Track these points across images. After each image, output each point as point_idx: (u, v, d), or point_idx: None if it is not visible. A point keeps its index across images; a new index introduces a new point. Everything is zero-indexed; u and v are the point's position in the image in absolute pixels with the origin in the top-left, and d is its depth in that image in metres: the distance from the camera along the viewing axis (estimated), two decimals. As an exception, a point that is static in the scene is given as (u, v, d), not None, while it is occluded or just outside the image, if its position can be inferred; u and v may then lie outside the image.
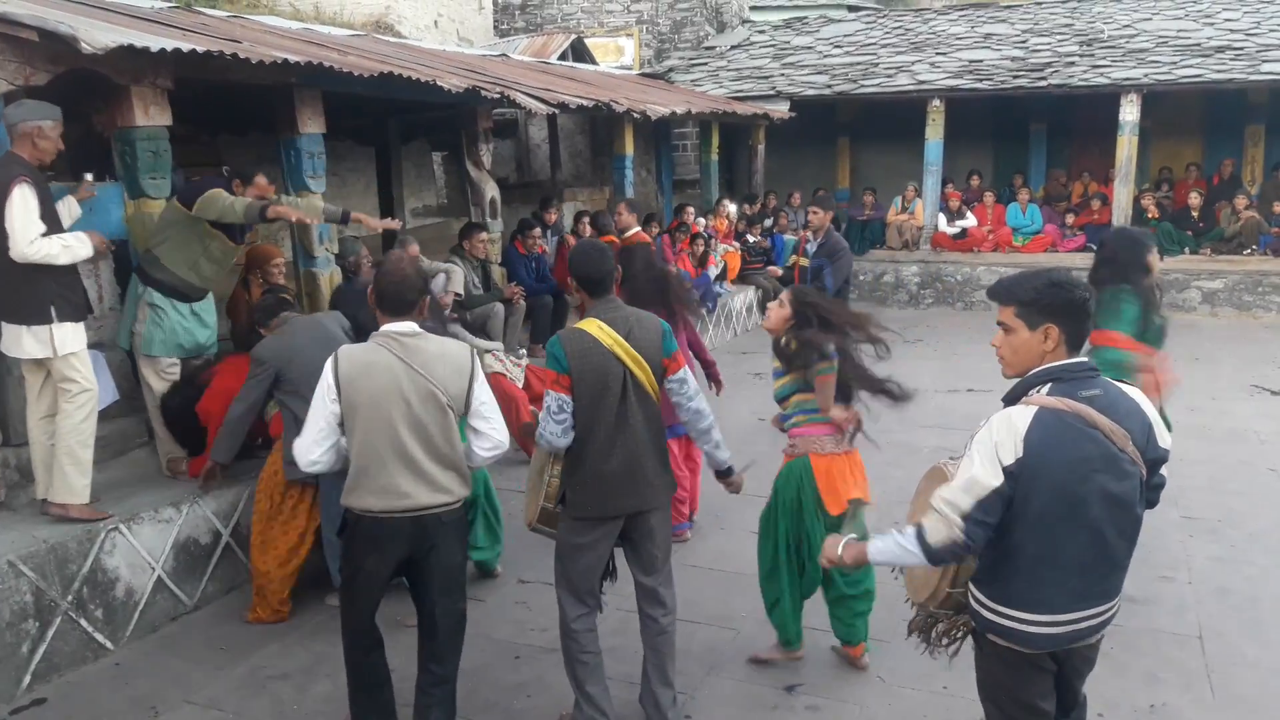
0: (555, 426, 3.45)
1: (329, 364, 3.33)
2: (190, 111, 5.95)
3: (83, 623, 4.43)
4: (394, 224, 6.32)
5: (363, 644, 3.58)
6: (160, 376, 5.10)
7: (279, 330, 4.89)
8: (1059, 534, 2.50)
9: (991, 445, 2.50)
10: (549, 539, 3.87)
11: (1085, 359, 2.59)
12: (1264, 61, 12.09)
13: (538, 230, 8.93)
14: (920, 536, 2.58)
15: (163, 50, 4.58)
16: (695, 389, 3.72)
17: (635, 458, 3.54)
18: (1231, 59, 12.35)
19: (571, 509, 3.57)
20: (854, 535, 2.85)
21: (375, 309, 3.42)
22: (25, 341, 4.43)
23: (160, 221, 5.05)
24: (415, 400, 3.29)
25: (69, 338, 4.49)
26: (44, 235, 4.31)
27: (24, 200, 4.24)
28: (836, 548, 2.82)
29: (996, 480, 2.48)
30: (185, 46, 4.72)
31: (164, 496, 4.94)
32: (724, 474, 3.91)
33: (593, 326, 3.48)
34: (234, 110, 7.25)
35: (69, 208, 4.87)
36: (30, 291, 4.39)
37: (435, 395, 3.31)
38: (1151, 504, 2.66)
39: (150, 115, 4.99)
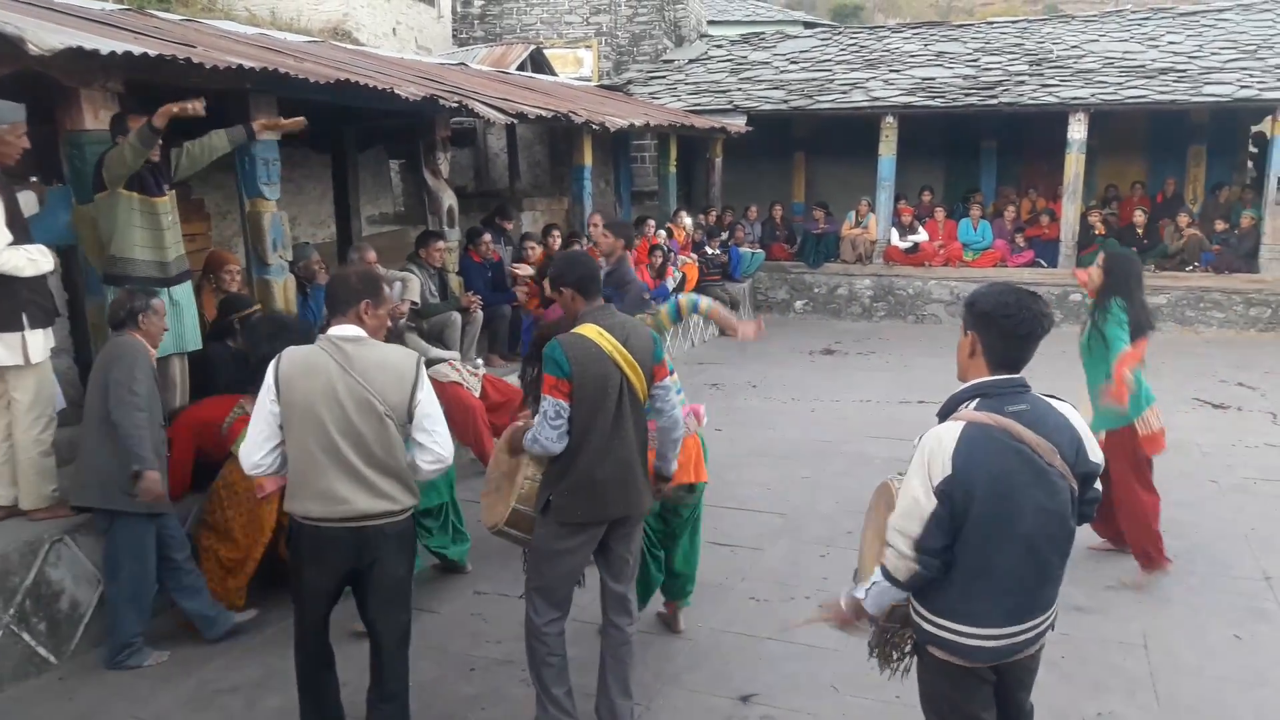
0: (551, 432, 3.41)
1: (271, 364, 3.30)
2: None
3: (25, 636, 4.32)
4: (300, 121, 5.73)
5: (312, 658, 3.54)
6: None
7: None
8: (991, 547, 2.54)
9: (924, 466, 2.55)
10: (511, 544, 3.85)
11: (1016, 375, 2.62)
12: (1205, 84, 12.45)
13: (488, 236, 8.87)
14: (888, 575, 2.65)
15: (113, 53, 4.50)
16: (676, 399, 3.77)
17: (627, 464, 3.56)
18: (1175, 81, 12.69)
19: (558, 514, 3.53)
20: (856, 591, 2.84)
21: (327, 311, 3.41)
22: (18, 348, 4.40)
23: (100, 222, 4.91)
24: (350, 406, 3.25)
25: (40, 344, 4.50)
26: (11, 245, 4.27)
27: None
28: (842, 607, 2.84)
29: (931, 504, 2.53)
30: (136, 50, 4.64)
31: (111, 507, 4.83)
32: (663, 479, 3.94)
33: (592, 332, 3.48)
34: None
35: (27, 201, 4.77)
36: (2, 297, 4.35)
37: (372, 403, 3.27)
38: (1085, 518, 2.71)
39: (100, 119, 4.90)
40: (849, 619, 2.84)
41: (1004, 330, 2.59)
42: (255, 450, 3.31)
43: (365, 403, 3.27)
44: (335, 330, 3.35)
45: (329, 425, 3.23)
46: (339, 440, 3.24)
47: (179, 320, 5.08)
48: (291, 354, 3.32)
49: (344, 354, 3.29)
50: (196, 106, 4.63)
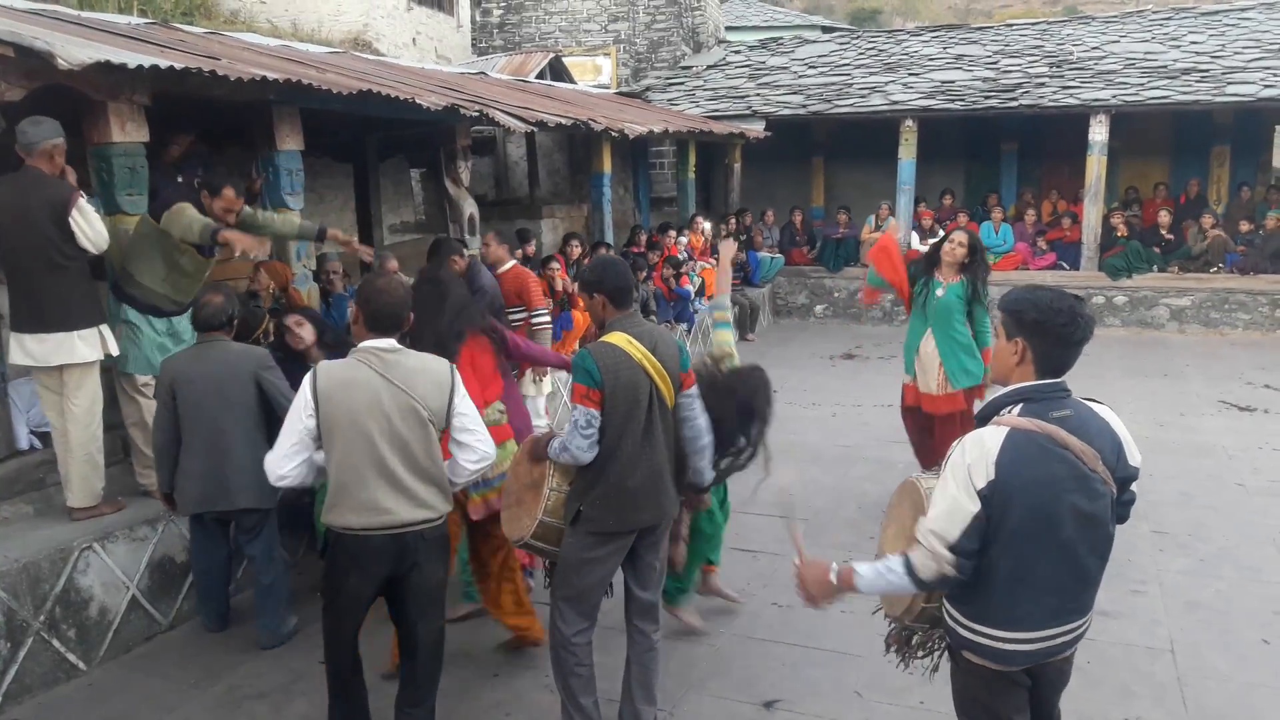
0: (582, 441, 3.40)
1: (306, 379, 3.33)
2: (168, 127, 5.93)
3: (55, 643, 4.37)
4: (369, 251, 6.12)
5: (346, 665, 3.55)
6: (137, 394, 5.04)
7: (197, 346, 4.74)
8: (1032, 553, 2.52)
9: (965, 469, 2.52)
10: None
11: (1059, 380, 2.61)
12: (1229, 84, 12.33)
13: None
14: (910, 570, 2.58)
15: (140, 67, 4.56)
16: (701, 406, 3.77)
17: (658, 472, 3.55)
18: (1197, 81, 12.59)
19: (588, 523, 3.51)
20: (858, 568, 2.69)
21: (360, 326, 3.42)
22: (79, 347, 4.58)
23: (134, 236, 5.00)
24: (396, 416, 3.29)
25: (110, 339, 4.73)
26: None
27: (89, 208, 4.56)
28: (829, 578, 2.70)
29: (975, 505, 2.50)
30: (163, 63, 4.71)
31: (138, 514, 4.89)
32: (700, 490, 3.95)
33: (621, 340, 3.47)
34: (212, 127, 7.23)
35: None
36: (84, 295, 4.62)
37: (416, 410, 3.31)
38: (1121, 519, 2.70)
39: (127, 131, 4.97)
40: (825, 590, 2.71)
41: (1059, 338, 2.56)
42: (283, 462, 3.33)
43: (410, 410, 3.30)
44: (371, 342, 3.38)
45: (375, 436, 3.27)
46: (385, 451, 3.27)
47: (181, 341, 5.11)
48: (328, 368, 3.34)
49: (384, 363, 3.32)
50: (260, 250, 4.99)
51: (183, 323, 5.16)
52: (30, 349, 4.55)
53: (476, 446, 3.47)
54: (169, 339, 5.07)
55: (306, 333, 5.13)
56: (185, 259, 4.99)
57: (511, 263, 7.11)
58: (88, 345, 4.61)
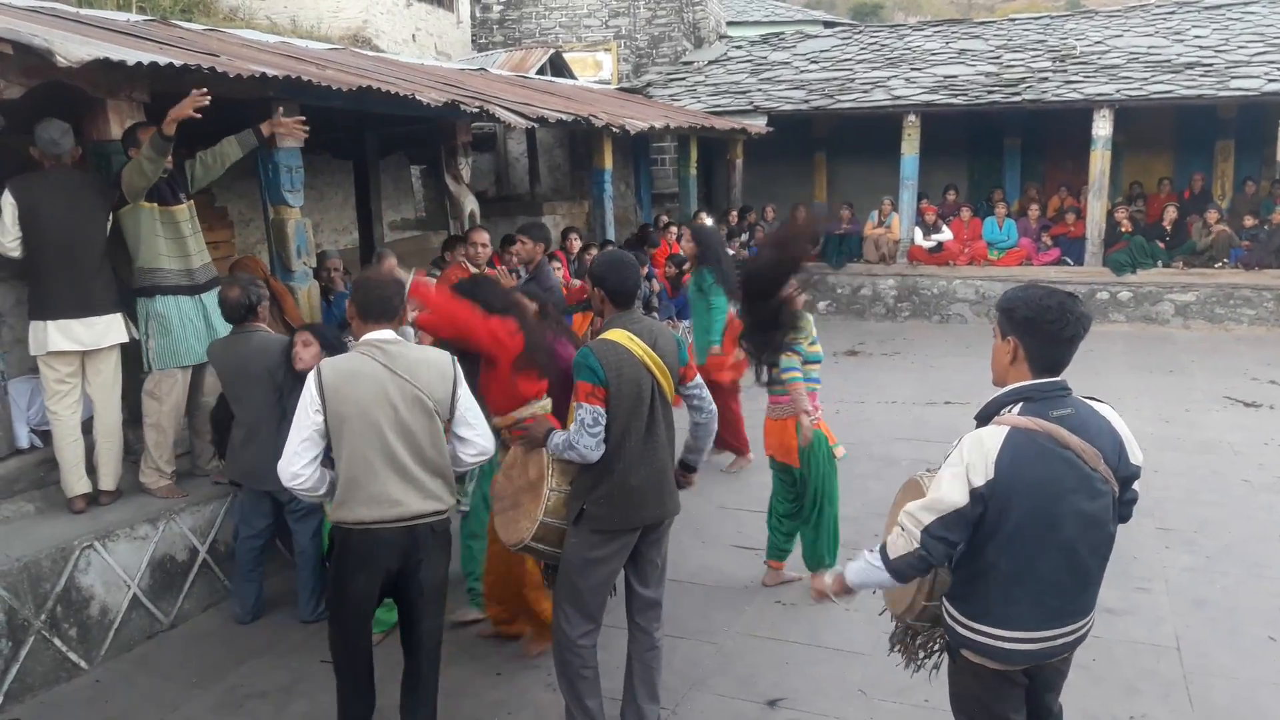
0: (590, 440, 3.37)
1: (312, 375, 3.32)
2: (151, 126, 5.90)
3: (56, 642, 4.36)
4: (300, 120, 5.67)
5: (362, 667, 3.52)
6: (161, 390, 5.03)
7: (232, 335, 4.88)
8: (1032, 553, 2.51)
9: (962, 466, 2.51)
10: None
11: (1058, 379, 2.59)
12: (1232, 78, 12.28)
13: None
14: (882, 551, 2.63)
15: (139, 64, 4.54)
16: (709, 395, 3.78)
17: (661, 468, 3.55)
18: (1201, 75, 12.53)
19: (593, 522, 3.47)
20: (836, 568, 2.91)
21: (356, 319, 3.43)
22: (123, 328, 4.90)
23: (124, 234, 4.98)
24: (402, 406, 3.29)
25: (129, 323, 5.00)
26: None
27: None
28: (825, 579, 2.85)
29: (961, 500, 2.49)
30: (162, 60, 4.69)
31: (140, 513, 4.88)
32: (691, 469, 3.91)
33: (622, 337, 3.46)
34: (211, 124, 7.19)
35: None
36: (108, 283, 4.86)
37: (422, 400, 3.32)
38: (1124, 519, 2.69)
39: (126, 129, 4.95)
40: (825, 591, 2.86)
41: (1049, 335, 2.55)
42: (294, 460, 3.29)
43: (416, 400, 3.31)
44: (372, 334, 3.38)
45: (384, 427, 3.27)
46: (393, 441, 3.28)
47: (212, 327, 5.12)
48: (333, 363, 3.35)
49: (387, 355, 3.33)
50: (199, 99, 4.65)
51: (210, 299, 5.16)
52: (78, 334, 4.74)
53: (477, 441, 3.49)
54: (203, 322, 5.10)
55: (310, 354, 4.69)
56: (164, 218, 4.98)
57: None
58: (126, 327, 4.91)
